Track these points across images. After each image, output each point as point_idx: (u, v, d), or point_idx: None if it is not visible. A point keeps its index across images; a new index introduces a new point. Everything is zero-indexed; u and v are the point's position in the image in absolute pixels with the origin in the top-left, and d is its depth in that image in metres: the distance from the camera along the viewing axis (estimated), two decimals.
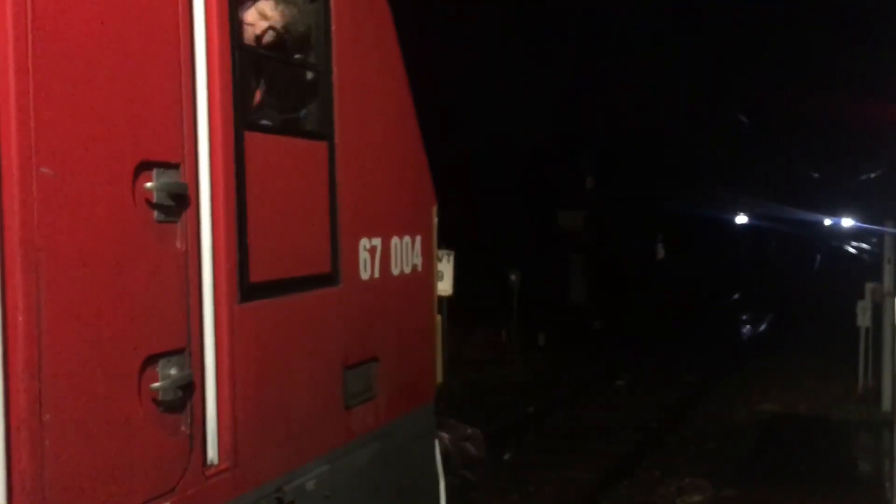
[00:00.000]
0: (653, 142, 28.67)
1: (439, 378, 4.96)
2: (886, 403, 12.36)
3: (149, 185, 2.69)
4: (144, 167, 2.68)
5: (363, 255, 3.94)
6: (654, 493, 9.33)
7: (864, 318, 13.85)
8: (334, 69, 3.72)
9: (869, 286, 13.75)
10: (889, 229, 13.10)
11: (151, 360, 2.69)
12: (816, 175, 47.46)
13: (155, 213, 2.72)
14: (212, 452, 2.97)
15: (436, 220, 4.87)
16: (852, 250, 49.11)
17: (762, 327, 24.32)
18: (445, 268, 9.82)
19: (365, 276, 3.95)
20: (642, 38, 26.58)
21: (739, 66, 33.78)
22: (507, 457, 10.33)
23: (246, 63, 3.19)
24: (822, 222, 50.62)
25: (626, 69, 25.35)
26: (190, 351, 2.85)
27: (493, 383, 14.74)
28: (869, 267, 18.29)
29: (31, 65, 2.32)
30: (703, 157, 34.97)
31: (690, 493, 9.25)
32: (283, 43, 3.68)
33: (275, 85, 3.66)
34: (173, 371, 2.75)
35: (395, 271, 4.27)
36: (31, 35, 2.32)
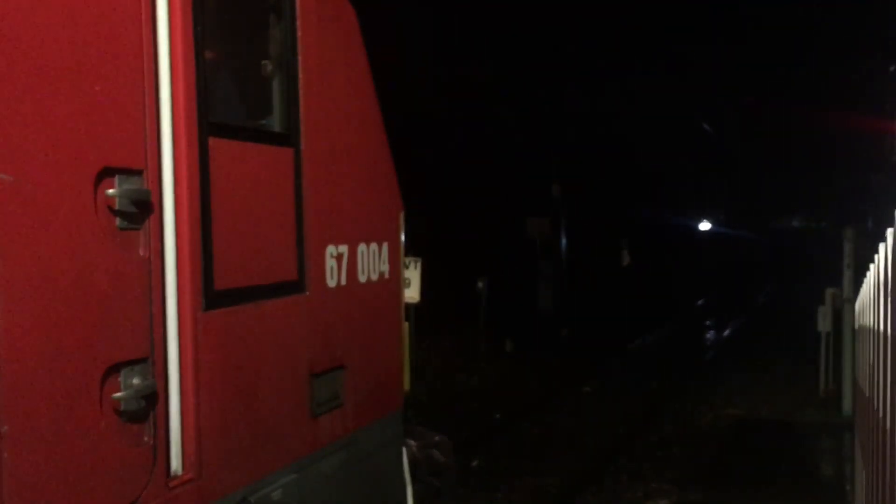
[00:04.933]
0: (619, 150, 28.96)
1: (407, 385, 4.95)
2: (847, 407, 12.57)
3: (111, 191, 2.65)
4: (106, 174, 2.64)
5: (330, 263, 3.92)
6: (620, 498, 9.39)
7: (824, 324, 14.09)
8: (300, 75, 3.70)
9: (829, 291, 13.99)
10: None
11: (113, 369, 2.64)
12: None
13: (117, 220, 2.68)
14: (175, 463, 2.93)
15: (403, 226, 4.86)
16: None
17: (726, 332, 24.62)
18: (413, 274, 9.83)
19: (332, 283, 3.93)
20: (609, 48, 26.83)
21: (704, 76, 34.25)
22: (475, 464, 10.33)
23: (211, 68, 3.16)
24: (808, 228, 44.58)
25: (594, 78, 25.57)
26: (153, 360, 2.81)
27: (460, 390, 14.76)
28: None
29: None
30: (668, 165, 35.38)
31: (656, 497, 9.32)
32: (249, 49, 3.66)
33: (240, 91, 3.63)
34: (136, 380, 2.71)
35: (363, 278, 4.26)
36: None
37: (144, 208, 2.77)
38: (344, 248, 4.05)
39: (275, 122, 3.69)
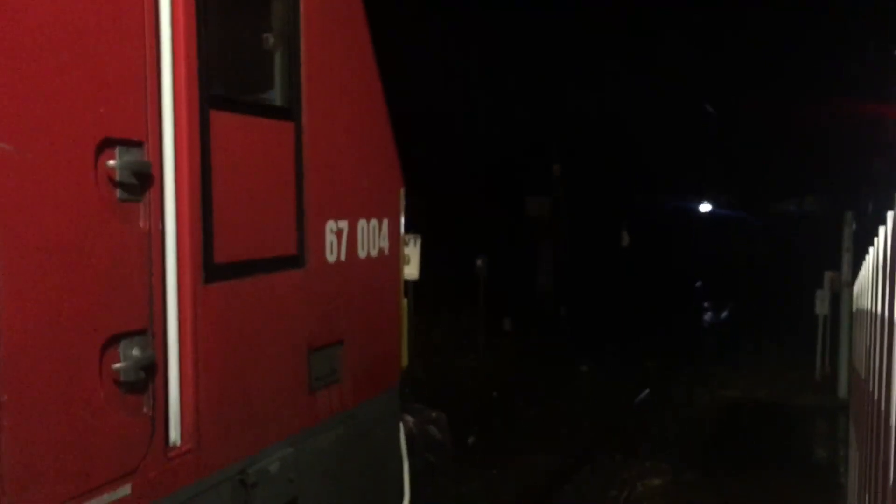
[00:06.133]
0: (620, 130, 28.88)
1: (405, 361, 4.97)
2: (842, 390, 12.64)
3: (111, 163, 2.64)
4: (107, 145, 2.63)
5: (330, 238, 3.92)
6: (615, 476, 9.45)
7: (822, 307, 14.13)
8: (302, 49, 3.68)
9: (828, 275, 14.01)
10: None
11: (113, 340, 2.65)
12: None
13: (118, 192, 2.67)
14: (174, 434, 2.94)
15: (403, 203, 4.86)
16: None
17: (724, 314, 24.67)
18: (412, 252, 9.82)
19: (331, 258, 3.94)
20: (608, 27, 26.68)
21: (705, 56, 34.11)
22: (471, 441, 10.39)
23: (212, 41, 3.14)
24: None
25: (593, 57, 25.45)
26: (152, 332, 2.82)
27: (458, 368, 14.81)
28: None
29: None
30: (669, 146, 35.29)
31: (651, 476, 9.38)
32: (251, 21, 3.63)
33: (242, 64, 3.62)
34: (135, 352, 2.72)
35: (362, 254, 4.26)
36: None
37: (145, 180, 2.77)
38: (344, 224, 4.05)
39: (276, 96, 3.67)
